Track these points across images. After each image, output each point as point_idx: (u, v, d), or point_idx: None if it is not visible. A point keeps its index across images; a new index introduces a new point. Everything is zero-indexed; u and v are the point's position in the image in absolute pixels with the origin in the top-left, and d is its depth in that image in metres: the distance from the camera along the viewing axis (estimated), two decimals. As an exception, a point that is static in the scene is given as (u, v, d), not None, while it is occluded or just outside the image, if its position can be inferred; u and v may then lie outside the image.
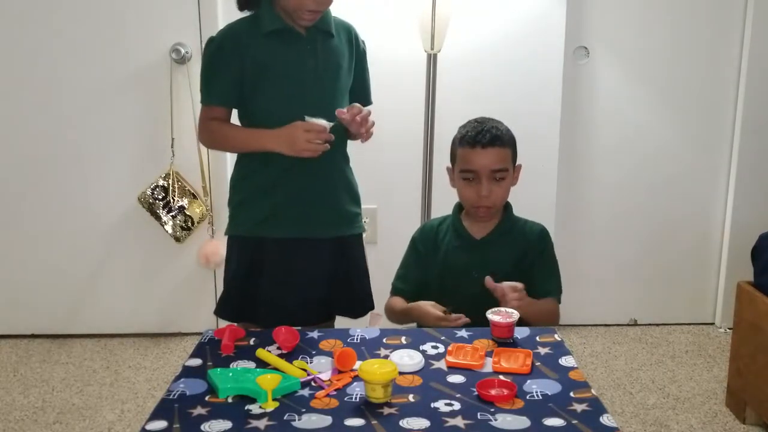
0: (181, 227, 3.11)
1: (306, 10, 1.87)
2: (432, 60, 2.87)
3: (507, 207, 2.05)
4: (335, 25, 2.01)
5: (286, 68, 1.93)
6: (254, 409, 1.40)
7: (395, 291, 2.09)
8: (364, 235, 2.14)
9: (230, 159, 3.13)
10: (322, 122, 1.85)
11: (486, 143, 1.93)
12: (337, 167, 2.04)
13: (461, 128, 2.02)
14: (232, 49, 1.92)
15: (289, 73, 1.93)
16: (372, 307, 2.15)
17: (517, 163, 2.02)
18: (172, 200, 3.09)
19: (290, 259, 2.00)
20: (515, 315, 1.69)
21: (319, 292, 2.03)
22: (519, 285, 1.82)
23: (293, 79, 1.93)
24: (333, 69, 1.98)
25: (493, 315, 1.69)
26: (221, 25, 2.99)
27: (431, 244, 2.06)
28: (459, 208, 2.07)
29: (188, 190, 3.12)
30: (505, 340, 1.68)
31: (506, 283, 1.81)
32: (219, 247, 2.97)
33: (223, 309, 2.08)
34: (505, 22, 3.10)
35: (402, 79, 3.08)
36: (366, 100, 2.08)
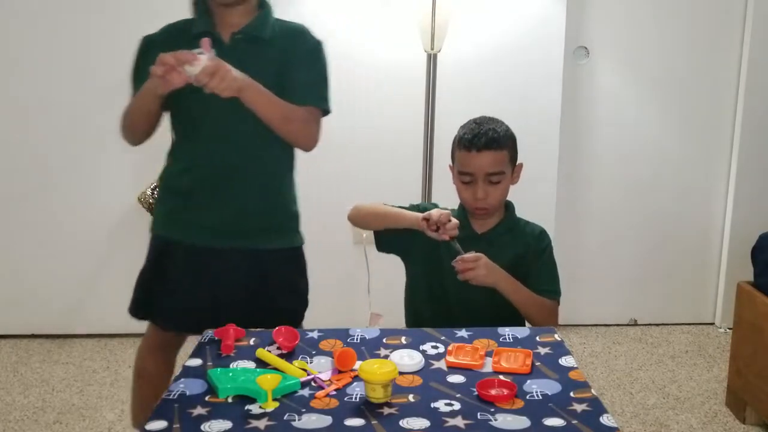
0: (181, 227, 3.10)
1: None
2: (432, 60, 2.87)
3: (509, 206, 2.06)
4: (280, 30, 1.91)
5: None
6: (254, 409, 1.39)
7: None
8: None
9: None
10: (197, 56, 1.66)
11: (482, 146, 1.92)
12: (260, 176, 1.93)
13: (461, 128, 2.02)
14: (157, 49, 1.76)
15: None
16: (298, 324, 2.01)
17: (518, 162, 2.02)
18: (171, 200, 3.08)
19: (189, 265, 1.95)
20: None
21: (220, 303, 1.94)
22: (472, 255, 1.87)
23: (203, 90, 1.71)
24: (256, 79, 1.79)
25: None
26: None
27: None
28: None
29: (188, 190, 3.11)
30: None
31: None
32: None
33: (130, 305, 2.04)
34: (505, 22, 3.10)
35: (402, 79, 3.08)
36: (300, 99, 1.87)
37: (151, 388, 2.14)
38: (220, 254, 1.94)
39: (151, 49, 1.86)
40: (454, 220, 1.90)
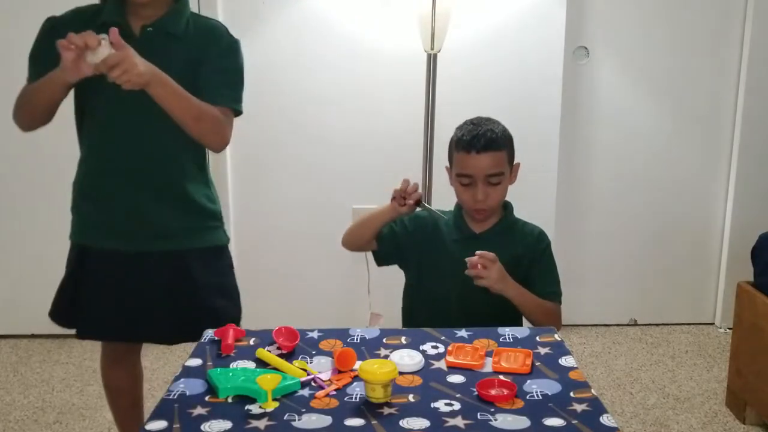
0: (181, 227, 3.10)
1: None
2: (432, 60, 2.87)
3: (507, 206, 2.05)
4: (195, 26, 1.87)
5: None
6: (254, 409, 1.39)
7: None
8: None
9: (230, 159, 3.14)
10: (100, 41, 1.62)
11: (481, 148, 1.91)
12: (170, 177, 1.90)
13: (457, 130, 2.01)
14: (62, 31, 1.68)
15: (105, 77, 1.65)
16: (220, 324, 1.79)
17: (516, 161, 2.02)
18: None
19: (107, 271, 1.93)
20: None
21: (144, 307, 1.93)
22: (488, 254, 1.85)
23: (111, 84, 1.66)
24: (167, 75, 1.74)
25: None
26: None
27: (429, 228, 2.05)
28: None
29: (188, 190, 3.11)
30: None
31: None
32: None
33: (53, 312, 2.02)
34: (505, 21, 3.10)
35: (402, 79, 3.08)
36: (213, 99, 1.83)
37: (122, 399, 2.14)
38: (135, 258, 1.92)
39: (56, 30, 1.78)
40: (413, 183, 1.95)
